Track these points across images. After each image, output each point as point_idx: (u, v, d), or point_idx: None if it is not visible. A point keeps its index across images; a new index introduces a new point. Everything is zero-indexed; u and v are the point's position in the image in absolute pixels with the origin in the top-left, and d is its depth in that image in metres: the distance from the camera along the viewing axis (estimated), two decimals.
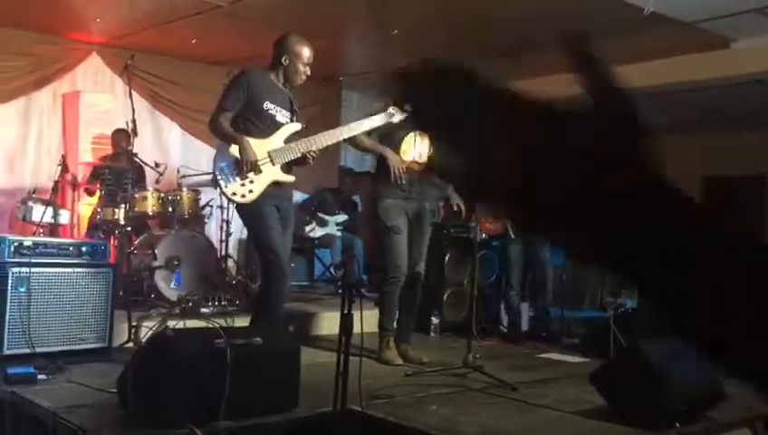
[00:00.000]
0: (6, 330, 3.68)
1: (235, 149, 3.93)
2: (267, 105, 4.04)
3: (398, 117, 4.37)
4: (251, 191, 3.94)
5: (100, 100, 7.07)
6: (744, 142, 8.88)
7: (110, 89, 7.24)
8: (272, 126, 4.06)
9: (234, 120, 4.01)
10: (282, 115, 4.11)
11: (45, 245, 3.97)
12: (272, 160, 4.00)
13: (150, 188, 5.93)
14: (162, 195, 5.91)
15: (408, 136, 4.59)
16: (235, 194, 3.95)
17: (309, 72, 4.15)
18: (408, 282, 4.56)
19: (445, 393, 3.74)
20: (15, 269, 3.74)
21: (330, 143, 4.20)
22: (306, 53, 4.10)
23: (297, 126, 4.16)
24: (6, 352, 3.68)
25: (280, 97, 4.12)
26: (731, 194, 10.07)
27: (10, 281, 3.71)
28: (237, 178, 3.94)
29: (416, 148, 4.63)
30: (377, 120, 4.37)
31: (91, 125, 6.92)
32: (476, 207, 4.62)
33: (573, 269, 8.25)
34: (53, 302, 3.86)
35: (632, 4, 5.28)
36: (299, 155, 4.06)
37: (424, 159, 4.68)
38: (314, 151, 4.07)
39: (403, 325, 4.70)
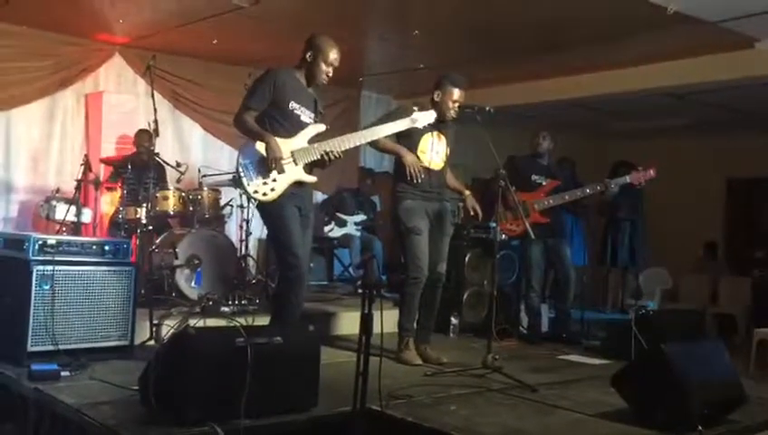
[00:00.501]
0: (30, 327, 3.74)
1: (260, 146, 3.93)
2: (293, 105, 4.03)
3: (420, 122, 4.37)
4: (273, 190, 3.94)
5: (123, 100, 7.12)
6: None
7: (133, 89, 7.30)
8: (296, 126, 4.05)
9: (259, 118, 4.00)
10: (306, 115, 4.10)
11: (69, 243, 4.02)
12: (295, 160, 4.00)
13: (172, 188, 5.96)
14: (183, 194, 5.95)
15: (426, 136, 4.59)
16: (257, 192, 3.95)
17: (331, 74, 4.13)
18: (429, 283, 4.55)
19: (464, 394, 3.72)
20: (40, 267, 3.79)
21: (352, 146, 4.19)
22: (332, 54, 4.08)
23: (322, 127, 4.14)
24: (30, 348, 3.73)
25: (305, 97, 4.12)
26: (755, 195, 9.95)
27: (34, 279, 3.77)
28: (260, 177, 3.93)
29: (433, 148, 4.62)
30: (400, 126, 4.38)
31: (114, 125, 6.98)
32: (495, 209, 4.59)
33: (594, 271, 8.21)
34: (76, 300, 3.91)
35: (656, 4, 5.23)
36: (321, 156, 4.06)
37: (442, 158, 4.68)
38: (337, 153, 4.06)
39: (423, 325, 4.69)
